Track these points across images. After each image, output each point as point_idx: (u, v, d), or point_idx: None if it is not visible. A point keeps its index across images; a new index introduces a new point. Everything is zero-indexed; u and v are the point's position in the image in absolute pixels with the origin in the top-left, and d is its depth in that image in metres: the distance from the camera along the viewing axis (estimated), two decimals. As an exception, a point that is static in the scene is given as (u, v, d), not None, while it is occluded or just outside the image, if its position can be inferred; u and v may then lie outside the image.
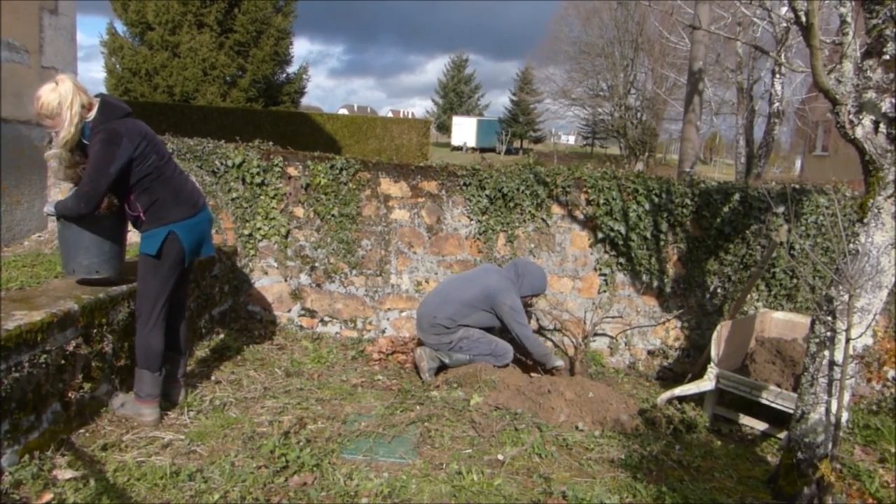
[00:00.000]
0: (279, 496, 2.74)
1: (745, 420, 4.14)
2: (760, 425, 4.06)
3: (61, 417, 2.94)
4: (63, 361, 2.92)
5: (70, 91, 3.04)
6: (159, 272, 3.24)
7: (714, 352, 4.16)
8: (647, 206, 5.09)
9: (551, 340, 5.33)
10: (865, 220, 2.85)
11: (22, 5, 4.71)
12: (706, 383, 4.18)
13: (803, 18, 2.91)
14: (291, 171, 5.12)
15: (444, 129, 52.56)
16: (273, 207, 5.11)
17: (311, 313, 5.27)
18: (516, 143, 51.17)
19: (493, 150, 45.07)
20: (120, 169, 3.05)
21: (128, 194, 3.20)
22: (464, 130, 46.27)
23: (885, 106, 2.76)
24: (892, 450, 3.76)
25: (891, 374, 4.57)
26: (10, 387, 2.59)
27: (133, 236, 3.73)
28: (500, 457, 3.26)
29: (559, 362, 4.62)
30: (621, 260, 5.24)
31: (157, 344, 3.30)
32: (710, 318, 5.22)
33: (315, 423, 3.51)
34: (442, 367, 4.51)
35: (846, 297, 2.80)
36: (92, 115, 3.12)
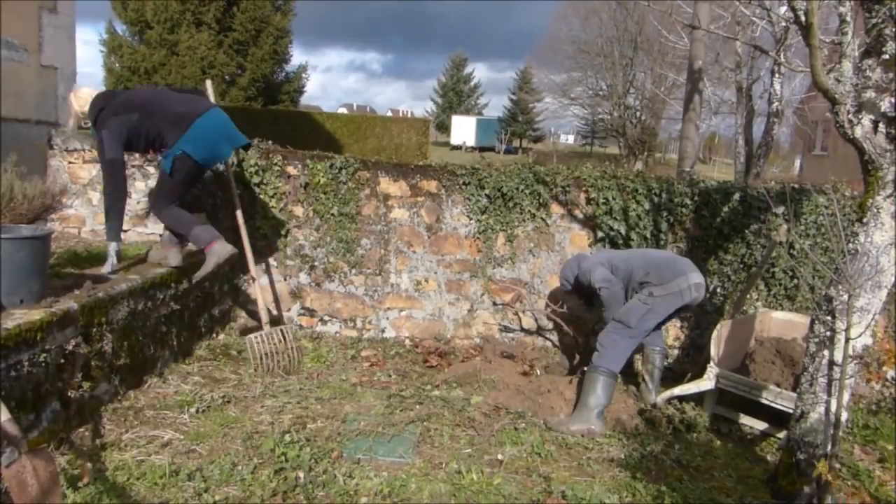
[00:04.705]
0: (279, 495, 2.74)
1: (745, 420, 4.14)
2: (760, 425, 4.06)
3: (61, 416, 2.94)
4: (62, 360, 2.92)
5: (80, 97, 4.05)
6: (171, 182, 3.86)
7: (714, 351, 4.17)
8: (646, 206, 5.09)
9: (550, 340, 5.33)
10: (865, 220, 2.85)
11: (21, 4, 4.71)
12: (706, 383, 4.18)
13: (802, 18, 2.91)
14: (290, 170, 5.12)
15: (444, 128, 52.53)
16: (272, 206, 5.11)
17: (311, 312, 5.27)
18: (516, 143, 51.15)
19: (492, 149, 45.04)
20: (122, 138, 3.74)
21: (146, 148, 3.95)
22: (463, 129, 46.26)
23: (885, 105, 2.76)
24: (891, 449, 3.77)
25: (890, 374, 4.58)
26: (9, 386, 2.59)
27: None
28: (499, 456, 3.27)
29: None
30: (621, 259, 5.23)
31: (183, 213, 3.93)
32: (709, 317, 5.22)
33: (315, 422, 3.51)
34: None
35: (846, 297, 2.81)
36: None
